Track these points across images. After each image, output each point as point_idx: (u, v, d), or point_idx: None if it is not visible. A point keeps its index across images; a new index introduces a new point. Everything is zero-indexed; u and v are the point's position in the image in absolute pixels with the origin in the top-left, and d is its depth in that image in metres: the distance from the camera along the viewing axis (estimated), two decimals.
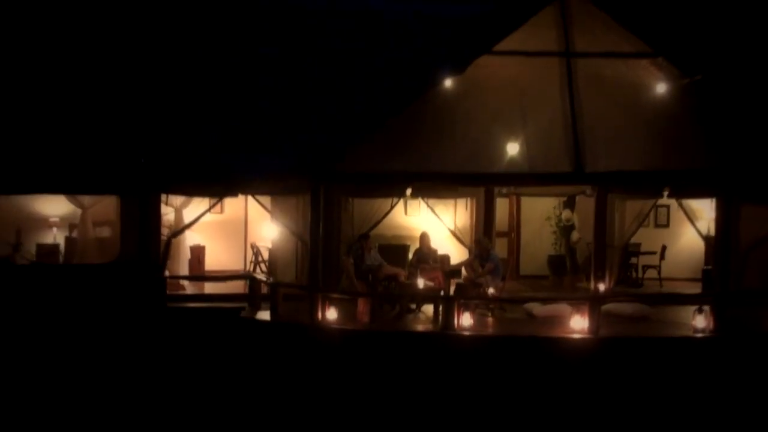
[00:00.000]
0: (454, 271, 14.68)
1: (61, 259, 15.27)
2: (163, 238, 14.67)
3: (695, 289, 16.60)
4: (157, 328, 13.33)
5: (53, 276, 14.05)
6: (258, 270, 16.33)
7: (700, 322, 11.89)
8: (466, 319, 11.93)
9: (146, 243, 14.10)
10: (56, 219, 15.80)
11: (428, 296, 13.46)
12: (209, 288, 15.71)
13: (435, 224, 16.32)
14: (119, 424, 11.58)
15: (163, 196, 14.73)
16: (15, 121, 14.49)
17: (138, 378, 12.69)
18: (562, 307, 12.86)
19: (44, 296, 13.52)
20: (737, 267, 15.14)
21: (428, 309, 13.37)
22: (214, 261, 17.40)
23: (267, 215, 15.58)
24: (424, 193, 15.39)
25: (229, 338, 12.86)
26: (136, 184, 14.04)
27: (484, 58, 13.81)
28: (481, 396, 11.39)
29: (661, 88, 14.47)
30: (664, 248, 17.36)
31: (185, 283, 15.66)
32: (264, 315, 13.12)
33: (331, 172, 14.00)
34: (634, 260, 17.29)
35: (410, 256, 15.80)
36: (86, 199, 14.94)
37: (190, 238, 16.36)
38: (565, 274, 17.58)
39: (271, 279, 14.05)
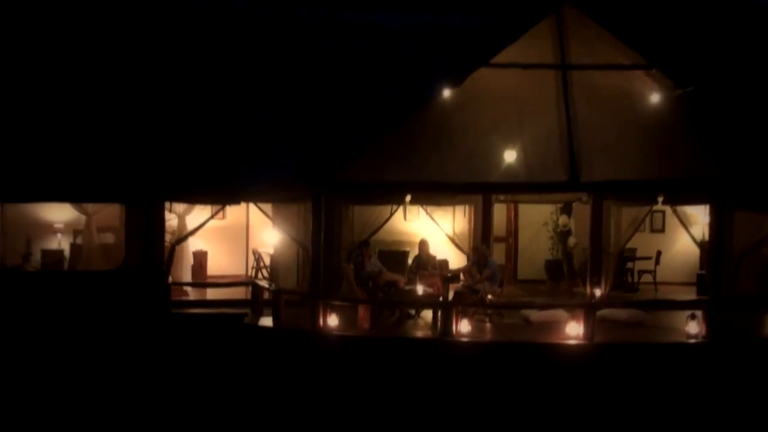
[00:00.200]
0: (453, 277, 14.95)
1: (65, 264, 15.50)
2: (167, 244, 14.90)
3: (690, 293, 16.87)
4: (161, 334, 13.54)
5: (60, 282, 14.27)
6: (260, 275, 16.59)
7: (693, 328, 12.13)
8: (464, 326, 12.15)
9: (150, 250, 14.33)
10: (60, 225, 15.99)
11: (427, 302, 13.71)
12: (211, 293, 15.91)
13: (434, 230, 16.59)
14: (124, 428, 11.78)
15: (167, 204, 14.91)
16: (22, 130, 14.66)
17: (143, 383, 12.90)
18: (558, 313, 13.06)
19: (52, 302, 13.75)
20: (730, 273, 15.38)
21: (427, 314, 13.60)
22: (215, 266, 17.64)
23: (268, 221, 15.80)
24: (423, 200, 15.67)
25: (232, 344, 13.07)
26: (141, 193, 14.26)
27: (481, 70, 14.05)
28: (478, 401, 11.60)
29: (655, 98, 14.74)
30: (659, 254, 17.64)
31: (188, 288, 15.91)
32: (266, 321, 13.34)
33: (332, 182, 14.25)
34: (630, 265, 17.57)
35: (409, 261, 16.10)
36: (91, 207, 15.19)
37: (193, 243, 16.56)
38: (562, 279, 17.82)
39: (273, 285, 14.25)
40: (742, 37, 16.79)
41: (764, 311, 13.81)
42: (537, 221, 18.52)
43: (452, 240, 16.37)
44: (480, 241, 15.28)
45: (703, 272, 16.53)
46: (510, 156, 14.63)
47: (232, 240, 17.97)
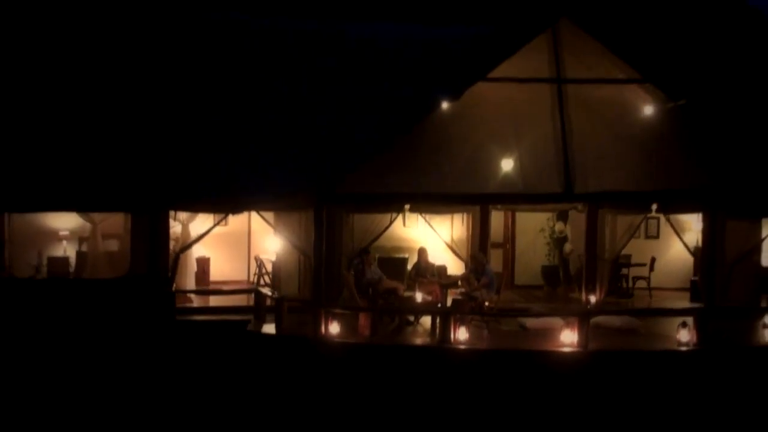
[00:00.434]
0: (451, 284, 15.25)
1: (71, 271, 15.77)
2: (171, 251, 15.17)
3: (684, 298, 17.18)
4: (167, 341, 13.81)
5: (68, 290, 14.54)
6: (262, 281, 16.89)
7: (684, 335, 12.43)
8: (461, 333, 12.42)
9: (156, 258, 14.57)
10: (66, 232, 16.27)
11: (426, 309, 14.00)
12: (214, 299, 16.22)
13: (432, 237, 16.91)
14: None
15: (171, 212, 15.16)
16: (30, 141, 14.89)
17: (150, 389, 13.17)
18: (554, 320, 13.35)
19: (60, 310, 14.02)
20: (722, 280, 15.72)
21: (426, 321, 13.86)
22: (218, 272, 17.95)
23: (269, 228, 16.03)
24: (422, 209, 15.97)
25: (237, 351, 13.33)
26: (147, 202, 14.49)
27: (478, 84, 14.35)
28: (476, 407, 11.90)
29: (648, 110, 15.04)
30: (653, 260, 17.96)
31: (191, 294, 16.20)
32: (269, 328, 13.59)
33: (333, 194, 14.54)
34: (624, 271, 17.88)
35: (409, 268, 16.40)
36: (97, 215, 15.43)
37: (196, 250, 16.76)
38: (558, 285, 18.15)
39: (276, 293, 14.51)
40: (735, 43, 17.08)
41: (754, 319, 14.12)
42: (534, 227, 18.87)
43: (450, 248, 16.68)
44: (478, 248, 15.62)
45: (696, 278, 16.86)
46: (507, 167, 14.95)
47: (234, 246, 18.23)
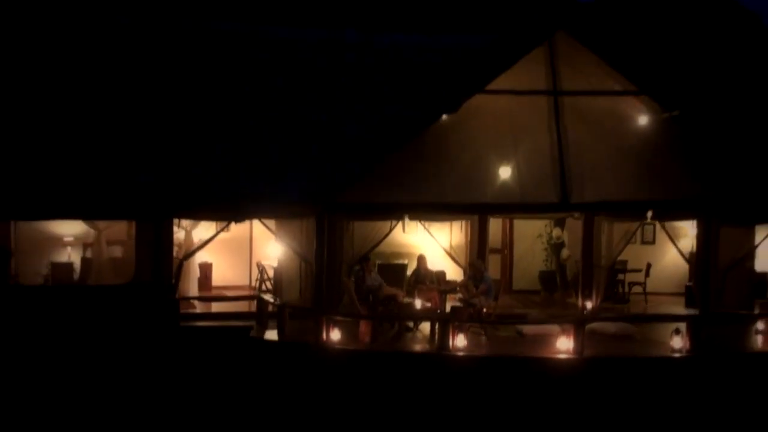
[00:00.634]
0: (450, 290, 15.48)
1: (75, 277, 15.97)
2: (175, 258, 15.35)
3: (679, 303, 17.45)
4: (171, 347, 13.99)
5: (73, 297, 14.74)
6: (263, 287, 17.10)
7: (677, 342, 12.65)
8: (460, 340, 12.61)
9: (160, 265, 14.72)
10: (70, 238, 16.45)
11: (425, 316, 14.22)
12: (216, 305, 16.45)
13: (431, 243, 17.14)
14: None
15: (175, 219, 15.35)
16: (35, 149, 15.03)
17: (154, 395, 13.38)
18: (550, 326, 13.57)
19: (64, 316, 14.20)
20: (716, 285, 16.01)
21: (425, 327, 14.03)
22: (220, 277, 18.22)
23: (271, 234, 16.23)
24: (421, 217, 16.21)
25: (240, 357, 13.52)
26: (151, 210, 14.66)
27: (476, 96, 14.59)
28: (473, 413, 12.11)
29: (643, 121, 15.29)
30: (648, 266, 18.17)
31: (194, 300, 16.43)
32: (271, 334, 13.78)
33: (334, 203, 14.79)
34: (621, 277, 18.10)
35: (408, 274, 16.63)
36: (101, 222, 15.60)
37: (198, 255, 16.84)
38: (555, 290, 18.38)
39: (278, 299, 14.72)
40: (730, 52, 17.33)
41: (748, 325, 14.37)
42: (531, 234, 19.09)
43: (449, 253, 16.91)
44: (476, 255, 15.82)
45: (691, 284, 17.10)
46: (504, 176, 15.19)
47: (236, 252, 18.48)
